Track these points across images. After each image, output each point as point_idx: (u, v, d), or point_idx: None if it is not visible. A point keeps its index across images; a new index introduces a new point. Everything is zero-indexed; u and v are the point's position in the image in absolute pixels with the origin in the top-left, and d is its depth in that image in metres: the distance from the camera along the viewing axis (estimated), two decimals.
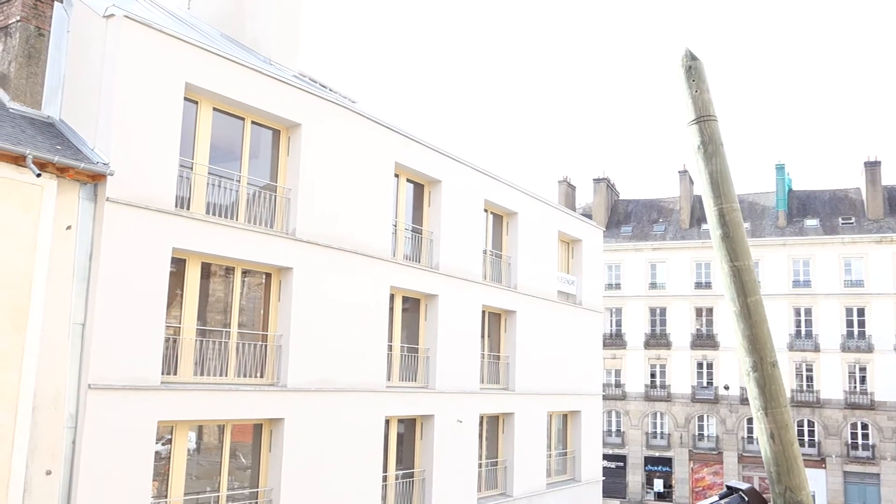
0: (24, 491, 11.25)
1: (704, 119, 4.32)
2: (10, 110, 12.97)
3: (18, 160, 11.16)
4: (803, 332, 51.27)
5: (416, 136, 19.46)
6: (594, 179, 59.82)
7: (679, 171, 57.47)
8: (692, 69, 4.32)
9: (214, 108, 14.89)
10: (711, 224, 4.34)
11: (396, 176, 19.09)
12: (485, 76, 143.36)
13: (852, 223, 52.47)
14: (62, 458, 11.77)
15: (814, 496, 49.25)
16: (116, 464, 12.28)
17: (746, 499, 4.64)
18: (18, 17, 13.43)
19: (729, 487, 4.68)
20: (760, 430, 4.44)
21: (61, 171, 11.77)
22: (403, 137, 18.99)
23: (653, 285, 55.45)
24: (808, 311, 51.33)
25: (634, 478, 53.78)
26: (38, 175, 11.27)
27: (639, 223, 58.74)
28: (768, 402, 4.37)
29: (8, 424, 11.07)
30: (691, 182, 57.25)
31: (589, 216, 52.00)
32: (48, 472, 11.62)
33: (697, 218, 56.91)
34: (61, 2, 14.02)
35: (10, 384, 11.11)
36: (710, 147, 4.30)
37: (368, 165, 17.73)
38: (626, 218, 59.57)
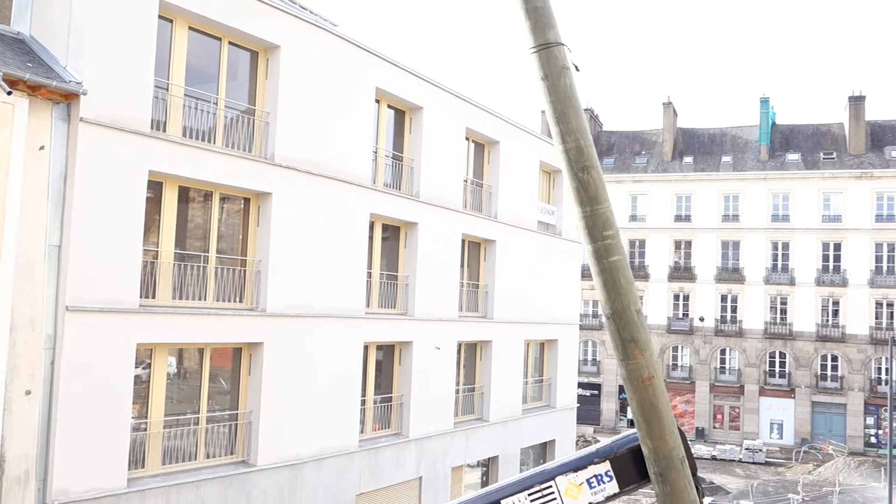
0: (3, 410, 11.34)
1: (545, 47, 3.95)
2: None
3: None
4: (780, 266, 51.99)
5: (397, 61, 19.12)
6: None
7: (663, 104, 57.16)
8: None
9: (190, 28, 14.51)
10: (562, 166, 4.06)
11: (377, 101, 18.84)
12: (467, 1, 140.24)
13: (833, 158, 52.71)
14: (41, 378, 11.84)
15: (775, 432, 50.78)
16: (96, 385, 12.39)
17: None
18: None
19: None
20: (624, 380, 4.30)
21: (33, 89, 11.50)
22: (385, 62, 18.66)
23: (633, 217, 55.78)
24: (786, 246, 51.95)
25: (608, 405, 55.13)
26: (9, 93, 11.01)
27: (621, 155, 58.67)
28: (631, 351, 4.21)
29: None
30: (675, 114, 57.02)
31: None
32: (27, 392, 11.71)
33: (680, 150, 56.93)
34: None
35: None
36: (552, 79, 3.94)
37: (349, 90, 17.46)
38: (608, 150, 59.44)
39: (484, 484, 23.15)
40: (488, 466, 23.18)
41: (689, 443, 4.77)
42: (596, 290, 4.14)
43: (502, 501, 4.53)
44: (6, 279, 11.31)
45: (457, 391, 21.72)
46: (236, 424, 15.20)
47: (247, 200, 15.60)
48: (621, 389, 55.07)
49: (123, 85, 12.83)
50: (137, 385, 13.43)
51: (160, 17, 13.67)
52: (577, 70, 4.10)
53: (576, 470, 4.71)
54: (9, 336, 11.39)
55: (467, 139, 22.23)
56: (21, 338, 11.58)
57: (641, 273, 55.01)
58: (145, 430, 13.63)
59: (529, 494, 4.54)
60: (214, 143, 14.85)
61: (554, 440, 26.50)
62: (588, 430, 51.35)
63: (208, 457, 14.68)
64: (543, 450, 26.44)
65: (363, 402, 18.25)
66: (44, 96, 11.71)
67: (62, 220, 12.05)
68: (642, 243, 55.42)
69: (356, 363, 17.56)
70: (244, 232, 15.61)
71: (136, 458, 13.43)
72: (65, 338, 11.99)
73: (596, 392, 55.20)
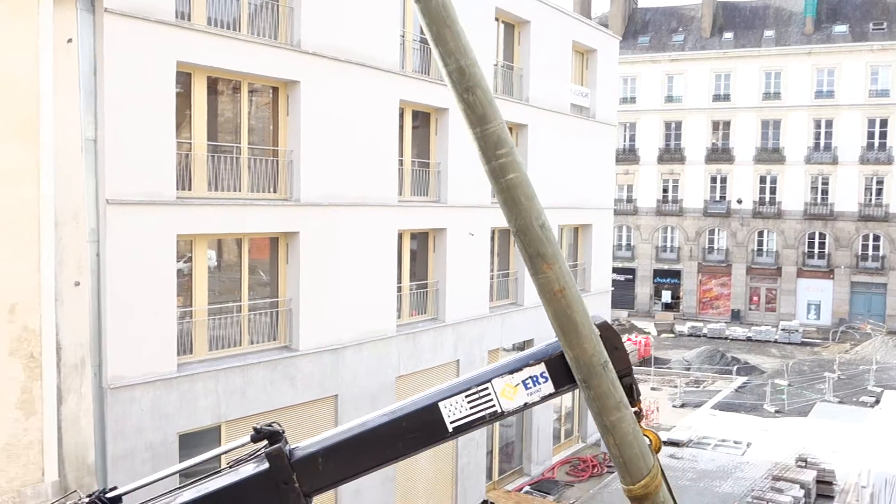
0: (55, 301, 11.80)
1: None
2: None
3: None
4: (822, 145, 50.76)
5: None
6: None
7: None
8: None
9: None
10: (450, 86, 3.86)
11: None
12: None
13: (883, 29, 50.38)
14: (88, 270, 12.23)
15: (816, 306, 50.76)
16: (141, 276, 12.79)
17: (600, 332, 4.71)
18: None
19: None
20: (538, 294, 4.24)
21: None
22: None
23: (669, 98, 54.43)
24: (829, 124, 50.55)
25: (643, 290, 55.55)
26: None
27: (657, 33, 56.68)
28: (538, 265, 4.11)
29: (32, 238, 11.43)
30: None
31: (605, 26, 50.12)
32: (76, 283, 12.12)
33: (720, 26, 54.79)
34: None
35: (29, 198, 11.35)
36: (422, 0, 3.70)
37: None
38: (643, 28, 57.43)
39: None
40: (524, 348, 23.71)
41: (622, 344, 4.77)
42: (501, 208, 4.04)
43: (440, 404, 4.55)
44: (47, 174, 11.52)
45: (491, 277, 22.02)
46: (277, 312, 15.67)
47: (275, 90, 15.51)
48: (656, 273, 55.36)
49: None
50: (181, 278, 13.83)
51: None
52: None
53: (511, 372, 4.76)
54: (54, 230, 11.70)
55: (496, 20, 21.62)
56: (65, 231, 11.90)
57: (677, 156, 54.18)
58: (191, 318, 14.12)
59: (467, 396, 4.58)
60: (240, 31, 14.66)
61: None
62: (622, 314, 52.00)
63: (252, 343, 15.23)
64: None
65: (399, 289, 18.62)
66: None
67: (95, 114, 12.15)
68: (678, 125, 54.29)
69: (391, 250, 17.82)
70: (274, 122, 15.61)
71: (185, 346, 13.99)
72: (107, 230, 12.32)
73: (630, 277, 55.54)
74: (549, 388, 4.65)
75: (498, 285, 22.59)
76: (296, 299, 15.67)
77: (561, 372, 4.61)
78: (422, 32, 18.72)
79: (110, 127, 12.21)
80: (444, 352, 19.66)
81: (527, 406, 4.67)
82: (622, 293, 52.30)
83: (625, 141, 55.21)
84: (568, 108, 24.96)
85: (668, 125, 54.49)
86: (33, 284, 11.49)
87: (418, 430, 4.53)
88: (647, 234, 55.38)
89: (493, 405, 4.60)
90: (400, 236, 18.51)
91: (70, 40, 11.78)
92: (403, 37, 18.33)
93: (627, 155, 54.79)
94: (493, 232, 21.88)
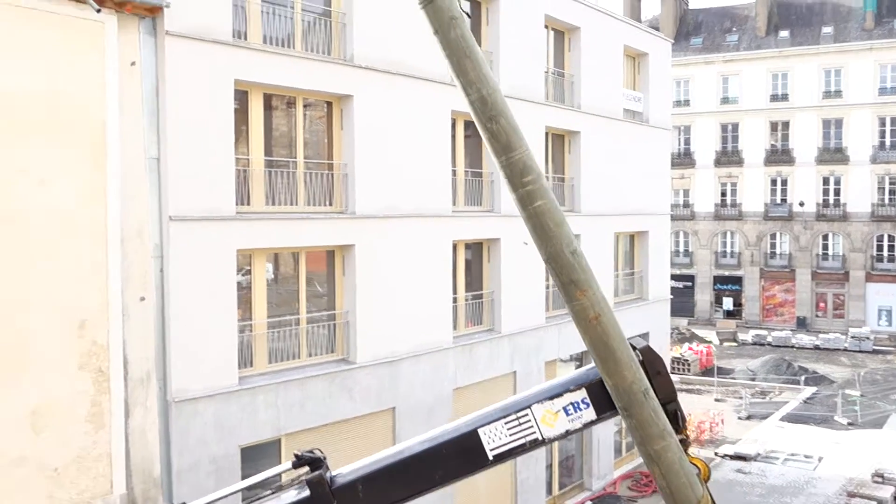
0: (123, 316, 12.13)
1: (429, 1, 3.71)
2: None
3: None
4: (888, 143, 49.23)
5: None
6: None
7: None
8: None
9: None
10: (474, 115, 3.80)
11: None
12: None
13: None
14: (152, 285, 12.54)
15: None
16: (202, 290, 13.07)
17: (642, 357, 4.53)
18: None
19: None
20: (573, 320, 4.10)
21: (119, 5, 11.73)
22: None
23: (724, 100, 53.43)
24: (895, 121, 48.94)
25: (703, 297, 54.47)
26: (98, 10, 11.26)
27: (710, 34, 55.78)
28: (572, 292, 3.94)
29: (101, 255, 11.78)
30: None
31: (656, 29, 49.56)
32: (142, 299, 12.44)
33: (775, 24, 53.66)
34: None
35: (97, 218, 11.71)
36: (442, 32, 3.68)
37: None
38: (695, 29, 56.58)
39: None
40: (581, 360, 23.48)
41: (665, 368, 4.59)
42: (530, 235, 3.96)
43: (479, 431, 4.50)
44: (113, 193, 11.88)
45: (547, 286, 21.87)
46: (335, 324, 15.82)
47: (329, 104, 15.73)
48: (716, 280, 54.26)
49: None
50: (240, 290, 14.08)
51: None
52: (469, 17, 3.85)
53: (552, 398, 4.63)
54: (120, 247, 12.04)
55: (546, 27, 21.56)
56: (131, 248, 12.23)
57: (735, 158, 53.12)
58: (251, 331, 14.36)
59: (506, 423, 4.51)
60: (294, 48, 14.91)
61: (647, 333, 26.51)
62: (682, 322, 51.08)
63: (310, 355, 15.40)
64: None
65: (454, 300, 18.63)
66: (130, 11, 11.93)
67: (158, 133, 12.50)
68: (735, 126, 53.24)
69: (446, 261, 17.86)
70: (329, 136, 15.82)
71: (245, 358, 14.22)
72: (170, 246, 12.63)
73: (689, 284, 54.54)
74: (590, 414, 4.53)
75: (554, 295, 22.42)
76: (352, 311, 15.81)
77: (602, 398, 4.48)
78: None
79: (172, 145, 12.54)
80: (501, 363, 19.58)
81: (568, 433, 4.56)
82: (681, 301, 51.37)
83: (680, 144, 54.38)
84: (621, 113, 24.72)
85: (724, 127, 53.48)
86: (102, 301, 11.83)
87: (458, 457, 4.46)
88: (705, 239, 54.37)
89: (534, 432, 4.51)
90: (454, 247, 18.54)
91: (133, 63, 12.15)
92: None
93: (683, 159, 53.94)
94: None
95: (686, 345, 43.27)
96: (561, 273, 3.99)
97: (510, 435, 4.53)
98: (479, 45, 18.20)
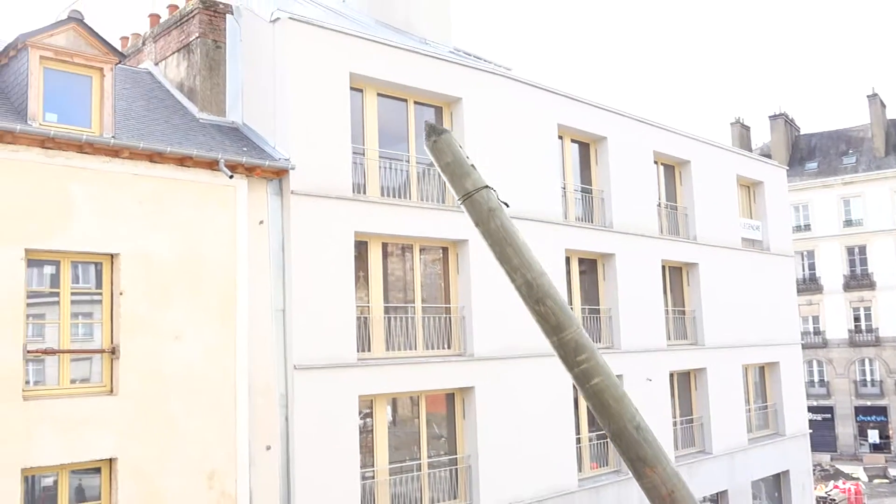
0: (249, 464, 12.37)
1: (467, 197, 3.86)
2: (200, 120, 14.13)
3: (212, 165, 12.17)
4: None
5: (575, 94, 19.17)
6: (770, 117, 56.24)
7: (868, 96, 52.72)
8: (437, 144, 3.87)
9: (378, 94, 15.43)
10: (522, 300, 3.84)
11: (560, 137, 18.93)
12: (639, 26, 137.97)
13: None
14: (278, 434, 12.81)
15: None
16: (326, 436, 13.20)
17: None
18: (198, 34, 14.55)
19: None
20: (647, 497, 3.89)
21: (249, 170, 12.71)
22: (563, 97, 18.77)
23: (848, 223, 51.44)
24: None
25: (844, 430, 50.52)
26: (231, 177, 12.24)
27: (825, 157, 54.60)
28: (640, 470, 3.76)
29: (230, 406, 12.20)
30: (883, 105, 52.43)
31: (768, 156, 48.95)
32: (268, 448, 12.69)
33: (894, 144, 52.07)
34: (232, 14, 15.02)
35: (227, 370, 12.22)
36: (482, 224, 3.81)
37: (531, 130, 17.71)
38: (809, 154, 55.56)
39: None
40: (718, 502, 21.97)
41: None
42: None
43: None
44: (242, 345, 12.43)
45: (674, 423, 20.90)
46: (457, 469, 15.54)
47: (444, 249, 16.15)
48: (857, 411, 50.40)
49: (325, 156, 13.85)
50: (361, 434, 14.14)
51: (352, 88, 14.67)
52: (507, 206, 4.01)
53: None
54: (248, 398, 12.45)
55: (656, 162, 21.71)
56: (258, 398, 12.63)
57: (865, 282, 50.48)
58: (373, 478, 14.27)
59: None
60: (410, 198, 15.57)
61: (788, 471, 24.68)
62: (825, 457, 47.27)
63: (433, 502, 15.08)
64: (777, 482, 24.66)
65: (578, 440, 18.03)
66: (259, 175, 12.89)
67: (283, 286, 13.11)
68: (862, 249, 50.90)
69: (567, 401, 17.43)
70: (445, 280, 16.14)
71: None
72: (295, 395, 12.92)
73: (829, 416, 50.82)
74: None
75: (682, 431, 21.36)
76: (474, 455, 15.52)
77: None
78: (583, 181, 19.14)
79: (297, 297, 13.09)
80: None
81: None
82: (821, 434, 47.67)
83: (804, 270, 52.29)
84: (739, 242, 24.17)
85: (850, 250, 51.23)
86: (230, 451, 12.14)
87: None
88: (841, 367, 51.03)
89: None
90: (574, 385, 18.07)
91: (262, 222, 12.99)
92: (564, 187, 18.75)
93: (809, 284, 51.69)
94: (671, 375, 20.98)
95: (831, 483, 39.89)
96: (628, 450, 3.87)
97: None
98: (591, 185, 18.44)
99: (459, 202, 3.96)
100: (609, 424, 3.84)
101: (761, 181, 25.81)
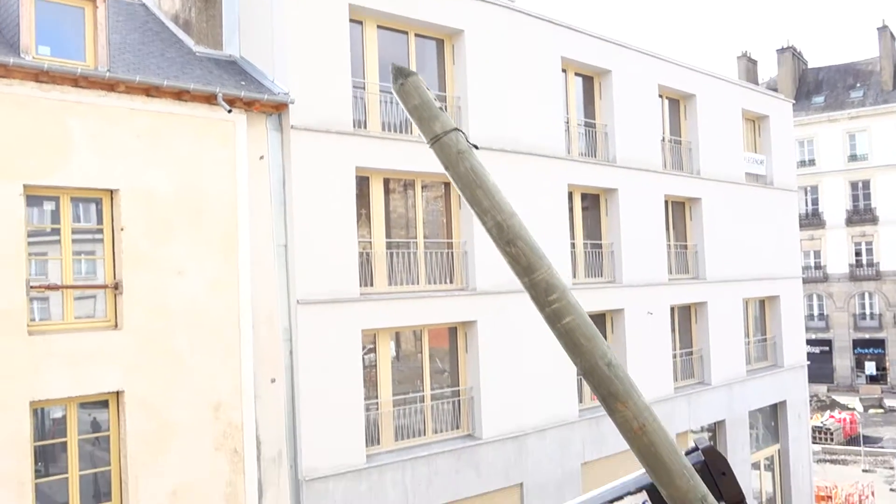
0: (255, 397, 12.56)
1: (436, 140, 3.81)
2: (197, 53, 13.90)
3: (210, 99, 12.03)
4: None
5: (579, 26, 18.80)
6: (778, 50, 55.36)
7: (877, 28, 51.74)
8: (404, 87, 3.78)
9: (378, 26, 15.14)
10: (493, 241, 3.84)
11: (564, 71, 18.64)
12: None
13: None
14: (283, 367, 12.98)
15: None
16: (330, 369, 13.38)
17: (704, 458, 4.33)
18: None
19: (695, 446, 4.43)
20: (620, 431, 4.00)
21: (248, 104, 12.56)
22: (567, 30, 18.41)
23: (853, 157, 51.10)
24: None
25: (842, 362, 51.20)
26: (230, 111, 12.10)
27: (832, 91, 53.87)
28: (612, 405, 3.82)
29: (234, 340, 12.33)
30: (893, 38, 51.49)
31: (775, 90, 48.26)
32: (273, 380, 12.88)
33: None
34: None
35: (230, 305, 12.31)
36: (452, 167, 3.78)
37: (534, 63, 17.42)
38: (816, 88, 54.81)
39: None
40: (715, 431, 22.37)
41: (730, 468, 4.42)
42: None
43: None
44: (245, 279, 12.49)
45: (674, 356, 21.14)
46: (459, 401, 15.78)
47: (446, 185, 16.07)
48: (855, 344, 50.94)
49: (325, 90, 13.67)
50: (365, 369, 14.32)
51: (351, 20, 14.38)
52: (477, 148, 3.94)
53: (612, 501, 4.58)
54: (252, 332, 12.57)
55: (660, 96, 21.43)
56: (262, 332, 12.75)
57: (868, 216, 50.40)
58: (377, 409, 14.51)
59: None
60: (411, 133, 15.42)
61: (784, 401, 25.06)
62: (821, 388, 47.98)
63: (436, 432, 15.37)
64: (774, 412, 25.07)
65: (578, 373, 18.22)
66: (258, 110, 12.74)
67: (285, 221, 13.10)
68: (866, 184, 50.67)
69: None
70: (447, 216, 16.11)
71: (372, 437, 14.35)
72: (299, 329, 13.04)
73: (827, 348, 51.42)
74: None
75: (682, 364, 21.63)
76: (476, 387, 15.75)
77: (664, 501, 4.45)
78: (587, 116, 18.93)
79: (299, 232, 13.09)
80: None
81: None
82: (819, 366, 48.30)
83: (807, 205, 52.15)
84: (743, 177, 24.04)
85: (854, 185, 51.01)
86: (235, 383, 12.32)
87: None
88: (840, 301, 51.36)
89: None
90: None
91: (262, 157, 12.90)
92: (568, 122, 18.54)
93: (811, 220, 51.63)
94: (672, 309, 21.12)
95: (827, 413, 40.62)
96: (599, 386, 3.97)
97: None
98: (594, 119, 18.25)
99: (429, 146, 3.94)
100: (581, 362, 3.92)
101: (767, 115, 25.52)
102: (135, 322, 11.23)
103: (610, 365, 3.93)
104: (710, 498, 4.07)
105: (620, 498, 4.54)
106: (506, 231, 3.96)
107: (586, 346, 3.97)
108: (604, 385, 3.95)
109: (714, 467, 4.40)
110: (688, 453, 4.56)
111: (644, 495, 4.51)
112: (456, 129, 3.86)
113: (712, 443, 4.56)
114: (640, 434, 3.97)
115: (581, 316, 4.04)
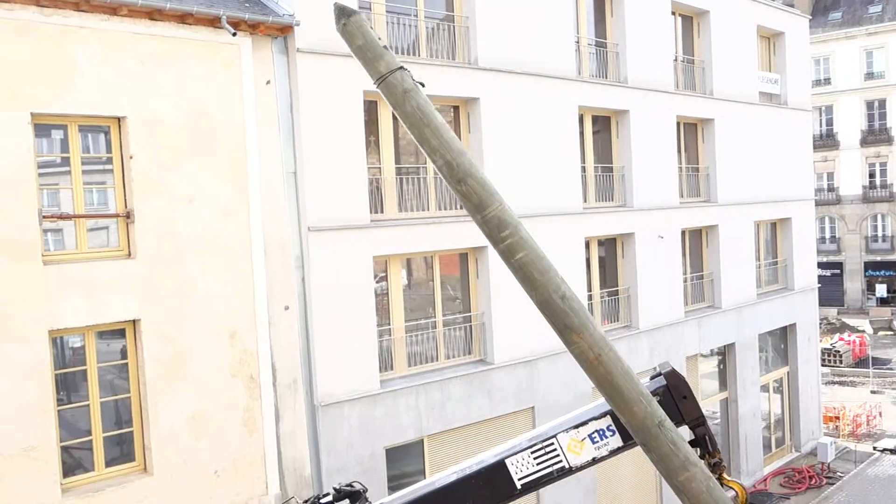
0: (269, 324, 12.67)
1: (382, 79, 3.70)
2: None
3: (214, 22, 11.75)
4: None
5: None
6: None
7: None
8: (347, 27, 3.68)
9: None
10: (445, 180, 3.77)
11: None
12: None
13: None
14: (296, 294, 13.05)
15: None
16: (342, 296, 13.44)
17: (666, 382, 4.43)
18: None
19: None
20: (577, 362, 4.00)
21: (253, 27, 12.28)
22: None
23: (869, 76, 50.03)
24: None
25: (853, 285, 51.25)
26: (234, 34, 11.84)
27: (850, 7, 52.37)
28: (568, 337, 3.83)
29: (246, 268, 12.36)
30: None
31: (791, 6, 46.94)
32: (286, 308, 12.96)
33: None
34: None
35: (242, 232, 12.30)
36: (399, 106, 3.68)
37: None
38: (833, 3, 53.27)
39: (722, 372, 22.65)
40: (724, 354, 22.57)
41: (690, 391, 4.49)
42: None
43: (507, 461, 4.66)
44: (256, 207, 12.44)
45: (685, 280, 21.17)
46: (471, 326, 15.90)
47: (455, 108, 15.82)
48: (867, 266, 50.90)
49: (331, 11, 13.28)
50: (377, 296, 14.39)
51: None
52: (423, 86, 3.86)
53: (577, 427, 4.73)
54: (264, 259, 12.59)
55: (673, 13, 20.86)
56: (274, 260, 12.77)
57: (883, 136, 49.66)
58: (390, 336, 14.64)
59: (533, 453, 4.65)
60: (420, 55, 15.11)
61: (794, 324, 25.19)
62: (832, 311, 48.18)
63: (448, 357, 15.54)
64: (783, 335, 25.23)
65: (590, 297, 18.32)
66: (263, 33, 12.47)
67: (294, 148, 12.96)
68: (882, 103, 49.75)
69: (579, 259, 17.59)
70: (458, 137, 15.87)
71: (385, 362, 14.52)
72: (310, 256, 13.06)
73: (838, 271, 51.42)
74: (616, 441, 4.75)
75: (693, 288, 21.66)
76: (488, 313, 15.83)
77: None
78: (598, 35, 18.47)
79: (308, 159, 12.97)
80: (640, 360, 19.07)
81: (595, 461, 4.77)
82: (830, 289, 48.39)
83: (821, 126, 51.36)
84: (756, 97, 23.59)
85: (870, 105, 50.08)
86: (249, 311, 12.41)
87: (487, 487, 4.68)
88: (853, 224, 51.10)
89: (560, 461, 4.72)
90: (587, 244, 18.22)
91: (268, 82, 12.68)
92: (578, 42, 18.11)
93: (825, 140, 50.92)
94: (683, 233, 21.04)
95: (837, 335, 40.89)
96: (555, 319, 4.06)
97: (537, 464, 4.80)
98: (605, 38, 17.80)
99: (375, 86, 3.86)
100: (535, 295, 3.97)
101: (782, 32, 24.86)
102: (147, 250, 11.25)
103: (564, 298, 3.96)
104: (668, 422, 4.17)
105: (585, 423, 4.72)
106: (456, 169, 3.90)
107: (540, 280, 4.01)
108: (559, 317, 3.99)
109: (676, 391, 4.57)
110: (652, 378, 4.70)
111: (608, 420, 4.69)
112: (401, 67, 3.76)
113: (673, 367, 4.70)
114: (596, 364, 4.03)
115: (534, 251, 4.05)
